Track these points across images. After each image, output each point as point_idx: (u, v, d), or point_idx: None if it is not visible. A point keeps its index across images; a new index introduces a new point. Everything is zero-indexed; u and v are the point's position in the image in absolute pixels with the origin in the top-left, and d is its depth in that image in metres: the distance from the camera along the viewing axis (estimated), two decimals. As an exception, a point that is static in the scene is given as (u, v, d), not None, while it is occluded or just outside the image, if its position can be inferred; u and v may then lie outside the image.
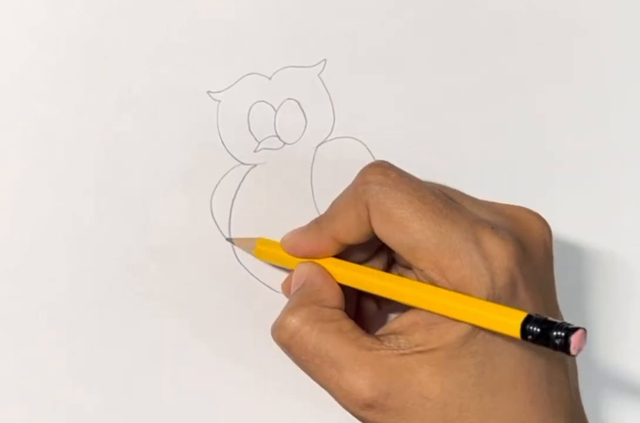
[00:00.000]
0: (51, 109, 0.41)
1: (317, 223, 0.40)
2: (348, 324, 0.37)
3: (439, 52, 0.45)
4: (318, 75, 0.44)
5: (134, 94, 0.42)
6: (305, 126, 0.44)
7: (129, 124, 0.42)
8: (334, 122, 0.44)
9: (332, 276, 0.39)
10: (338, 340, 0.36)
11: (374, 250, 0.41)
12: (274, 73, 0.43)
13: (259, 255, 0.43)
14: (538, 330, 0.32)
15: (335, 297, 0.38)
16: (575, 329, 0.32)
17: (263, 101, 0.43)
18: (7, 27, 0.41)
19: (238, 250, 0.43)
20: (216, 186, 0.43)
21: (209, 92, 0.43)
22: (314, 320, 0.37)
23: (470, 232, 0.35)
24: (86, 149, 0.42)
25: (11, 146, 0.41)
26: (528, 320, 0.33)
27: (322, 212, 0.44)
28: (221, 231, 0.43)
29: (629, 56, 0.47)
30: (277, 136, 0.44)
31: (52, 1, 0.41)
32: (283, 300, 0.44)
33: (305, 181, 0.44)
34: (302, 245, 0.40)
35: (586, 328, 0.32)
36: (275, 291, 0.44)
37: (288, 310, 0.38)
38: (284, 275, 0.44)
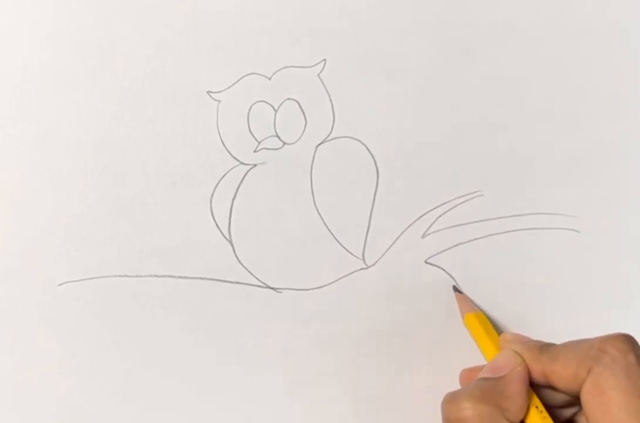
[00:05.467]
0: (51, 109, 0.41)
1: (540, 350, 0.39)
2: None
3: (438, 52, 0.45)
4: (318, 75, 0.44)
5: (134, 94, 0.42)
6: (305, 126, 0.44)
7: (129, 124, 0.42)
8: (333, 122, 0.44)
9: (528, 391, 0.38)
10: None
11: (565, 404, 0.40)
12: (274, 73, 0.43)
13: (466, 322, 0.44)
14: None
15: (518, 414, 0.38)
16: None
17: (263, 101, 0.43)
18: (7, 27, 0.41)
19: (238, 250, 0.43)
20: (216, 186, 0.43)
21: (209, 92, 0.43)
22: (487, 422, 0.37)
23: None
24: (86, 149, 0.42)
25: (11, 146, 0.41)
26: None
27: (322, 212, 0.44)
28: (221, 231, 0.43)
29: (629, 55, 0.47)
30: (277, 136, 0.44)
31: (52, 1, 0.41)
32: (283, 300, 0.44)
33: (305, 181, 0.44)
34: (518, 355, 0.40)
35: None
36: (275, 291, 0.44)
37: (470, 395, 0.37)
38: (283, 275, 0.44)
